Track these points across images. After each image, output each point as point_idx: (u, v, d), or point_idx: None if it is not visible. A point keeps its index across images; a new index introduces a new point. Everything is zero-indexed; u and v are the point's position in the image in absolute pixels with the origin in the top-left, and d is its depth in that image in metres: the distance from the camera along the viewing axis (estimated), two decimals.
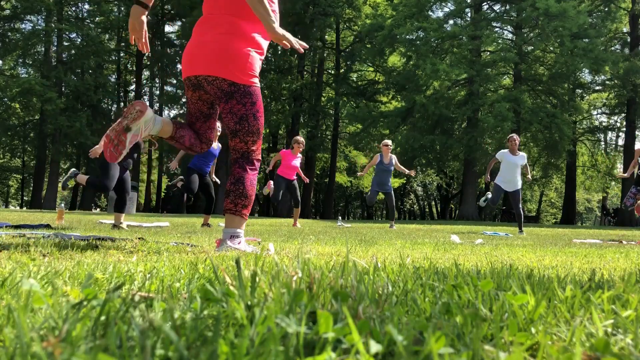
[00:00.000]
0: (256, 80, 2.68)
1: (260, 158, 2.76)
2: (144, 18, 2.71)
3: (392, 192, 9.58)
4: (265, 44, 2.74)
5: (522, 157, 8.42)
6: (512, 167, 8.34)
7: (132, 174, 30.32)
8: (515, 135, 8.50)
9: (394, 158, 9.48)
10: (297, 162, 8.97)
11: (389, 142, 9.52)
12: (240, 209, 2.60)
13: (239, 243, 2.58)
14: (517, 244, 4.67)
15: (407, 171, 9.57)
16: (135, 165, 29.98)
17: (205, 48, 2.59)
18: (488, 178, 8.85)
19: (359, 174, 10.45)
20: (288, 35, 2.58)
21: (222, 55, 2.56)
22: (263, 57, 2.75)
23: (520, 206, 8.47)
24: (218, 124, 6.67)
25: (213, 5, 2.66)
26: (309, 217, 25.91)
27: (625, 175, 8.18)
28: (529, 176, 8.70)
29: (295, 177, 9.03)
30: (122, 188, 5.70)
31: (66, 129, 24.16)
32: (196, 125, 2.81)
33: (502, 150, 8.48)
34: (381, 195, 10.02)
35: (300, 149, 8.96)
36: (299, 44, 2.63)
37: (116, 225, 5.64)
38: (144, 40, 2.76)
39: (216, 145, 7.37)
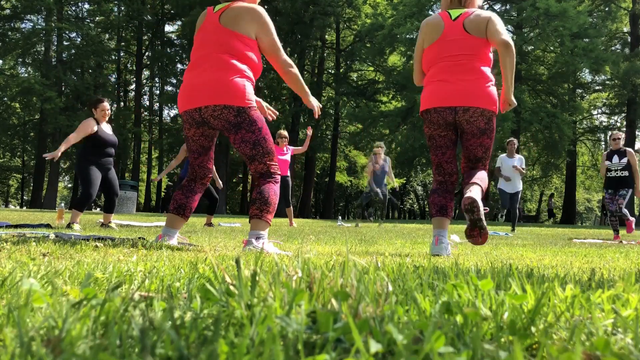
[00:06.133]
0: (255, 105, 2.89)
1: (277, 165, 2.96)
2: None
3: (387, 193, 9.60)
4: (252, 76, 2.94)
5: (518, 160, 8.71)
6: (510, 170, 8.64)
7: (132, 174, 30.25)
8: (514, 140, 8.76)
9: (388, 160, 9.52)
10: (287, 156, 8.64)
11: (381, 145, 9.60)
12: (265, 214, 2.84)
13: (262, 243, 2.83)
14: (517, 243, 4.67)
15: (393, 181, 9.60)
16: (135, 165, 29.94)
17: (204, 84, 2.79)
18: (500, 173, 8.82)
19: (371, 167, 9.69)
20: (317, 104, 3.11)
21: (222, 86, 2.76)
22: (254, 88, 2.97)
23: (517, 207, 8.71)
24: None
25: (202, 49, 2.86)
26: (309, 217, 25.88)
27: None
28: (514, 167, 8.61)
29: (287, 174, 8.68)
30: (110, 190, 5.69)
31: (66, 129, 24.10)
32: (198, 159, 3.00)
33: (501, 155, 8.77)
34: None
35: (285, 143, 8.68)
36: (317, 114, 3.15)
37: (105, 225, 5.65)
38: None
39: None
